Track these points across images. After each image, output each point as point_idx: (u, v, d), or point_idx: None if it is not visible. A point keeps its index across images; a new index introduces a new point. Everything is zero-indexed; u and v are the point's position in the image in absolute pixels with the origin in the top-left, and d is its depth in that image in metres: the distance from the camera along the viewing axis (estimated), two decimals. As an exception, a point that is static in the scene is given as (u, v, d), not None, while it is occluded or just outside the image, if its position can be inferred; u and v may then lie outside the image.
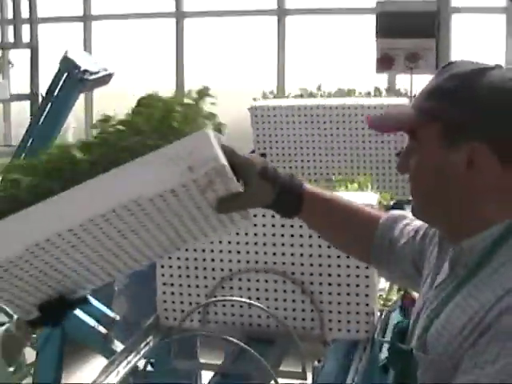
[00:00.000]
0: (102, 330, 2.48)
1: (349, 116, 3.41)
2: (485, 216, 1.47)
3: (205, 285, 2.32)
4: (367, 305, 2.22)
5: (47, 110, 2.47)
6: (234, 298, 2.27)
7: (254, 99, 3.67)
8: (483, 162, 1.44)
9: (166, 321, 2.37)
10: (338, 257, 2.20)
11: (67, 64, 2.42)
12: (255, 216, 2.19)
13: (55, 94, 2.48)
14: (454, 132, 1.46)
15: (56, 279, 1.37)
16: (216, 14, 6.00)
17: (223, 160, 1.32)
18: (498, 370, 1.34)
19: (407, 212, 1.80)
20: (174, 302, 2.36)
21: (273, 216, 2.22)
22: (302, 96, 3.67)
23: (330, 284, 2.23)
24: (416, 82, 5.22)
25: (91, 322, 2.47)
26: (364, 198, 2.33)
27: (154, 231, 1.35)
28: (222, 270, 2.30)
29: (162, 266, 2.35)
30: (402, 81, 5.43)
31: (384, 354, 2.46)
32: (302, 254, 2.23)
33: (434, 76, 1.51)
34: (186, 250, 2.30)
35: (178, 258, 2.32)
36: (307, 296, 2.24)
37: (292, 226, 2.22)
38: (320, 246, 2.21)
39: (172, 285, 2.35)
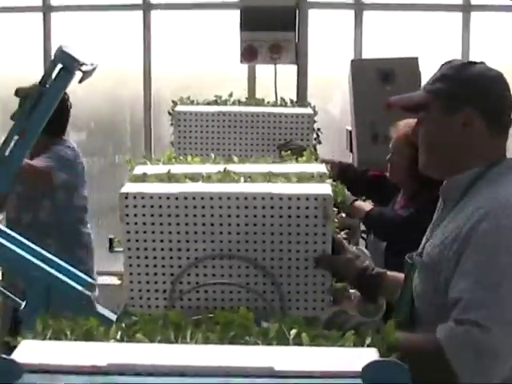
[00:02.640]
0: (88, 293, 2.58)
1: (262, 122, 3.79)
2: (468, 162, 2.10)
3: (170, 273, 2.40)
4: (323, 284, 2.40)
5: (39, 101, 2.48)
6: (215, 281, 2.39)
7: (174, 103, 3.84)
8: (474, 123, 2.07)
9: (133, 308, 2.43)
10: (298, 242, 2.36)
11: (64, 57, 2.44)
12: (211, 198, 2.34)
13: (48, 85, 2.49)
14: (453, 103, 2.09)
15: None
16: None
17: None
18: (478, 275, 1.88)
19: None
20: (140, 290, 2.44)
21: (228, 207, 2.34)
22: (216, 102, 3.91)
23: (289, 267, 2.38)
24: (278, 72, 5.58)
25: (77, 286, 2.57)
26: (315, 168, 2.67)
27: None
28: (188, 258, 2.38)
29: (130, 257, 2.41)
30: (263, 71, 5.78)
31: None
32: (263, 241, 2.36)
33: (439, 68, 2.18)
34: (153, 240, 2.38)
35: (145, 249, 2.39)
36: (269, 278, 2.38)
37: (255, 216, 2.34)
38: (281, 234, 2.35)
39: (139, 274, 2.42)
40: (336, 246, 2.42)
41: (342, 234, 3.47)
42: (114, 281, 2.57)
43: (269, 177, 2.54)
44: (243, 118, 3.76)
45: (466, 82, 2.10)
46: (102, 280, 4.64)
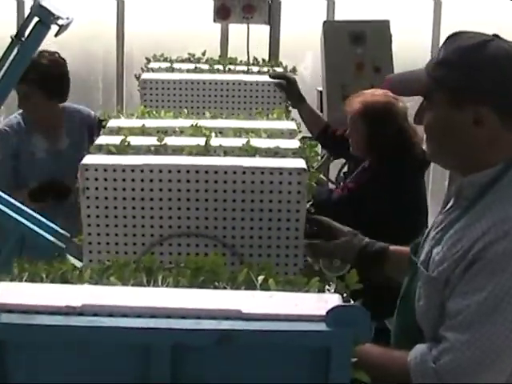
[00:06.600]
0: (60, 244, 2.58)
1: (232, 91, 3.66)
2: (485, 160, 1.82)
3: (133, 251, 2.23)
4: (295, 265, 2.27)
5: (14, 54, 2.49)
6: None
7: (148, 60, 3.83)
8: (487, 121, 1.77)
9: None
10: (270, 220, 2.22)
11: (40, 10, 2.43)
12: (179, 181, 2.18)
13: (24, 38, 2.49)
14: (461, 97, 1.78)
15: None
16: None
17: None
18: (485, 296, 1.68)
19: None
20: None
21: (197, 181, 2.20)
22: (189, 60, 3.89)
23: (259, 246, 2.25)
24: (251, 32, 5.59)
25: (50, 237, 2.57)
26: (285, 125, 2.70)
27: None
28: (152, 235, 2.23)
29: (89, 234, 2.24)
30: (236, 32, 5.79)
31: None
32: (233, 218, 2.22)
33: (442, 47, 1.84)
34: (116, 216, 2.22)
35: (107, 225, 2.23)
36: (238, 258, 2.22)
37: (215, 191, 2.20)
38: (252, 210, 2.21)
39: (99, 252, 2.26)
40: (326, 229, 2.30)
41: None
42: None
43: (239, 132, 2.55)
44: (212, 87, 3.65)
45: (475, 72, 1.77)
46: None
